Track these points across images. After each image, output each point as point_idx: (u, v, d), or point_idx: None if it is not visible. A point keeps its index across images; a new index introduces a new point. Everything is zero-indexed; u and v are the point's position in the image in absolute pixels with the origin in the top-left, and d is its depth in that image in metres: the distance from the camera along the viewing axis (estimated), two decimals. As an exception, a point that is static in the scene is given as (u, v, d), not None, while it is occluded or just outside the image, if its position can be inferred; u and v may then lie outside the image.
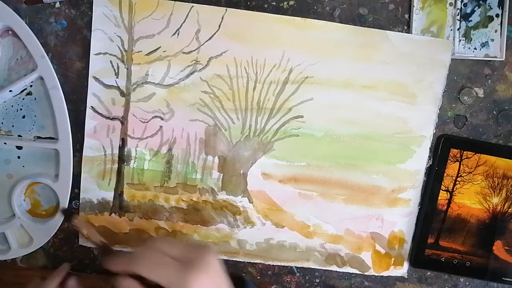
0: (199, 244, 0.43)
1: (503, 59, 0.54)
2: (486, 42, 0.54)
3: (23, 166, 0.54)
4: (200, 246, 0.42)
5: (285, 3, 0.53)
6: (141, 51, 0.53)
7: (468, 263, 0.57)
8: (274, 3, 0.53)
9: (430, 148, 0.56)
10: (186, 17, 0.52)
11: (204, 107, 0.54)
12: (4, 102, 0.53)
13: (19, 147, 0.54)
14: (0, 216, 0.55)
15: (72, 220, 0.50)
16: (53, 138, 0.53)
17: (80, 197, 0.55)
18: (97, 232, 0.50)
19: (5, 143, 0.53)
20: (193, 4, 0.52)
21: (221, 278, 0.41)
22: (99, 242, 0.49)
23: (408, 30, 0.54)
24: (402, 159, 0.56)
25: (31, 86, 0.53)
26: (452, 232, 0.56)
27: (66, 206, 0.54)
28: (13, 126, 0.54)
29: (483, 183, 0.56)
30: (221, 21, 0.52)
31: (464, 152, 0.55)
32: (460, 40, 0.54)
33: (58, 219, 0.54)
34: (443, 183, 0.56)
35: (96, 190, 0.55)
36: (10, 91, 0.52)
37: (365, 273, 0.58)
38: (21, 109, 0.53)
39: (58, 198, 0.54)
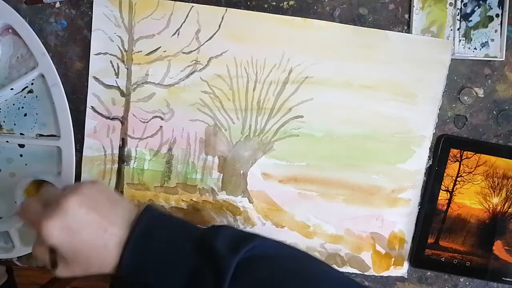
0: (70, 187, 0.43)
1: (503, 59, 0.54)
2: (486, 42, 0.54)
3: (26, 164, 0.54)
4: (66, 190, 0.41)
5: (285, 3, 0.53)
6: (141, 51, 0.53)
7: (468, 263, 0.57)
8: (274, 3, 0.53)
9: (430, 148, 0.56)
10: (186, 17, 0.52)
11: (204, 107, 0.54)
12: (6, 100, 0.53)
13: (21, 145, 0.54)
14: (3, 214, 0.55)
15: None
16: (55, 136, 0.54)
17: (80, 196, 0.55)
18: None
19: (7, 142, 0.53)
20: (193, 4, 0.52)
21: (82, 219, 0.39)
22: None
23: (408, 30, 0.54)
24: (402, 159, 0.56)
25: (32, 84, 0.53)
26: (452, 232, 0.56)
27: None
28: (15, 124, 0.54)
29: (483, 183, 0.55)
30: (221, 21, 0.52)
31: (464, 152, 0.55)
32: (460, 40, 0.54)
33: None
34: (443, 183, 0.56)
35: (96, 189, 0.55)
36: (12, 89, 0.52)
37: (365, 273, 0.58)
38: (22, 107, 0.53)
39: (61, 197, 0.54)
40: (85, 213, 0.39)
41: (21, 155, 0.54)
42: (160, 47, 0.53)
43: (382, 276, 0.58)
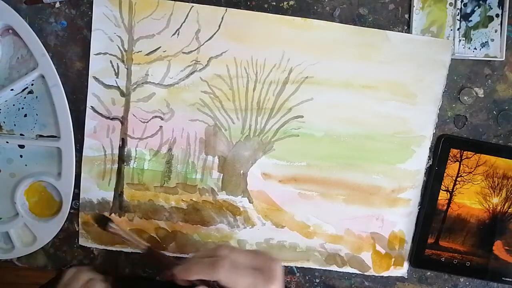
0: (263, 252, 0.47)
1: (503, 59, 0.54)
2: (486, 42, 0.54)
3: (26, 165, 0.54)
4: (266, 255, 0.45)
5: (285, 3, 0.53)
6: (141, 51, 0.53)
7: (468, 263, 0.57)
8: (274, 3, 0.53)
9: (430, 148, 0.56)
10: (186, 17, 0.52)
11: (204, 107, 0.54)
12: (6, 101, 0.53)
13: (21, 146, 0.54)
14: (3, 215, 0.55)
15: (108, 227, 0.49)
16: (55, 136, 0.54)
17: (80, 197, 0.55)
18: (138, 237, 0.50)
19: (7, 142, 0.53)
20: (193, 4, 0.52)
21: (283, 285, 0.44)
22: (144, 247, 0.49)
23: (408, 30, 0.54)
24: (402, 159, 0.56)
25: (32, 84, 0.53)
26: (452, 232, 0.56)
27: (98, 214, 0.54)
28: (15, 125, 0.54)
29: (483, 183, 0.55)
30: (221, 21, 0.52)
31: (464, 152, 0.55)
32: (460, 40, 0.54)
33: (61, 217, 0.54)
34: (443, 183, 0.56)
35: (96, 190, 0.55)
36: (12, 90, 0.52)
37: (365, 273, 0.58)
38: (22, 108, 0.53)
39: (61, 197, 0.54)
40: None
41: (21, 156, 0.54)
42: (160, 47, 0.53)
43: (382, 276, 0.58)
